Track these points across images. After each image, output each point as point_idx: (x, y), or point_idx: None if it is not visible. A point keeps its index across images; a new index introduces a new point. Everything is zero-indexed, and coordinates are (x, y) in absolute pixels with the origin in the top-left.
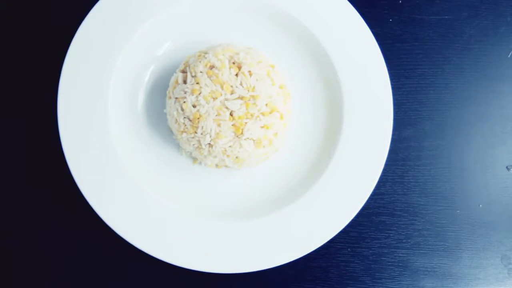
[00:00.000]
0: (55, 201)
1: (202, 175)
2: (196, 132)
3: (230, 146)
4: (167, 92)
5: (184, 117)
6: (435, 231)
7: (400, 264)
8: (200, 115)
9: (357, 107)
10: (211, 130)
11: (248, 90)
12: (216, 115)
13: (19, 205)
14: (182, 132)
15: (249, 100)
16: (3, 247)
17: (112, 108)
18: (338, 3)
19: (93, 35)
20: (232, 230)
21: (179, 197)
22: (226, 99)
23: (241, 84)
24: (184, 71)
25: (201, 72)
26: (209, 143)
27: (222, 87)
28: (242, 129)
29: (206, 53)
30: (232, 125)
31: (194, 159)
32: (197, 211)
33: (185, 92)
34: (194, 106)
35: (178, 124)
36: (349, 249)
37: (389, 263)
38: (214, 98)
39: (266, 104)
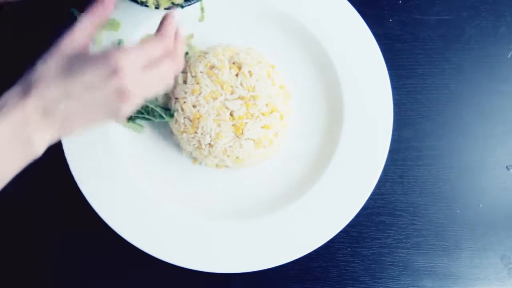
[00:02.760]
0: (55, 200)
1: (202, 175)
2: (196, 132)
3: (230, 146)
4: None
5: (184, 117)
6: (435, 231)
7: (400, 264)
8: (200, 115)
9: (357, 107)
10: (211, 130)
11: (248, 90)
12: (216, 115)
13: (19, 205)
14: (182, 132)
15: (249, 100)
16: (3, 248)
17: None
18: (338, 3)
19: None
20: (232, 230)
21: (179, 197)
22: (226, 99)
23: (241, 84)
24: (184, 71)
25: (201, 72)
26: (209, 143)
27: (222, 87)
28: (242, 129)
29: (206, 53)
30: (232, 125)
31: (194, 159)
32: (197, 211)
33: (185, 92)
34: (194, 106)
35: (178, 124)
36: (349, 249)
37: (389, 263)
38: (214, 98)
39: (266, 104)
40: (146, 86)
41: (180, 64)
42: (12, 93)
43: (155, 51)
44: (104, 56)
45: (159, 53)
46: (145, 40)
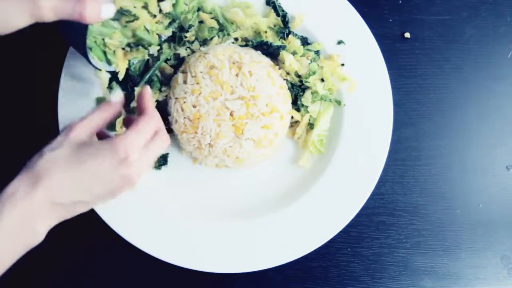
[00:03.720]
0: None
1: (203, 175)
2: (196, 132)
3: (230, 146)
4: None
5: (184, 117)
6: (435, 231)
7: (400, 264)
8: (200, 115)
9: (357, 107)
10: (211, 130)
11: (248, 90)
12: (216, 115)
13: None
14: (183, 132)
15: (249, 100)
16: None
17: None
18: (338, 3)
19: None
20: (232, 230)
21: (179, 197)
22: (226, 99)
23: (241, 84)
24: (184, 71)
25: (201, 72)
26: (209, 143)
27: (222, 87)
28: (242, 129)
29: (206, 53)
30: (232, 125)
31: (194, 159)
32: (197, 211)
33: (185, 92)
34: (194, 106)
35: (178, 124)
36: (349, 249)
37: (389, 263)
38: (214, 98)
39: (266, 104)
40: (145, 164)
41: (167, 137)
42: (21, 182)
43: (150, 131)
44: (111, 145)
45: (152, 131)
46: (134, 119)
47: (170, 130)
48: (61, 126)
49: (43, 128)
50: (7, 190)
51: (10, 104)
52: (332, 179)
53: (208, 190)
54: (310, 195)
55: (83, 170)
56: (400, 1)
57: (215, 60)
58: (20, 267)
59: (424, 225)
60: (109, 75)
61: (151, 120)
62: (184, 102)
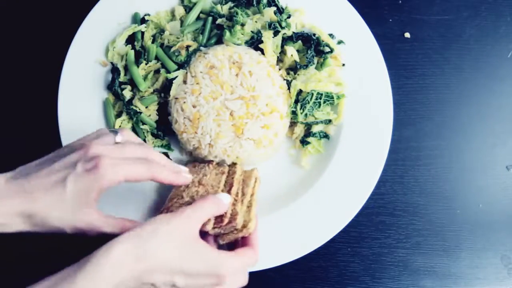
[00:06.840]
0: None
1: None
2: (196, 132)
3: (230, 146)
4: None
5: (184, 117)
6: (435, 231)
7: (400, 264)
8: (200, 115)
9: (357, 107)
10: (211, 130)
11: (248, 90)
12: (216, 115)
13: None
14: (182, 132)
15: (249, 100)
16: (3, 248)
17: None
18: (338, 3)
19: (93, 34)
20: None
21: None
22: (226, 99)
23: (241, 84)
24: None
25: (201, 72)
26: (209, 143)
27: (222, 87)
28: (243, 129)
29: (206, 53)
30: (232, 125)
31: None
32: None
33: (185, 92)
34: (194, 106)
35: (178, 124)
36: (349, 249)
37: (389, 263)
38: (214, 98)
39: (267, 104)
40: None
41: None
42: (128, 253)
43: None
44: (217, 267)
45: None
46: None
47: (170, 130)
48: (61, 129)
49: (43, 130)
50: (112, 254)
51: (10, 105)
52: (332, 179)
53: None
54: (310, 195)
55: (183, 269)
56: (400, 1)
57: (215, 60)
58: (21, 267)
59: (424, 225)
60: None
61: (256, 256)
62: (184, 102)
